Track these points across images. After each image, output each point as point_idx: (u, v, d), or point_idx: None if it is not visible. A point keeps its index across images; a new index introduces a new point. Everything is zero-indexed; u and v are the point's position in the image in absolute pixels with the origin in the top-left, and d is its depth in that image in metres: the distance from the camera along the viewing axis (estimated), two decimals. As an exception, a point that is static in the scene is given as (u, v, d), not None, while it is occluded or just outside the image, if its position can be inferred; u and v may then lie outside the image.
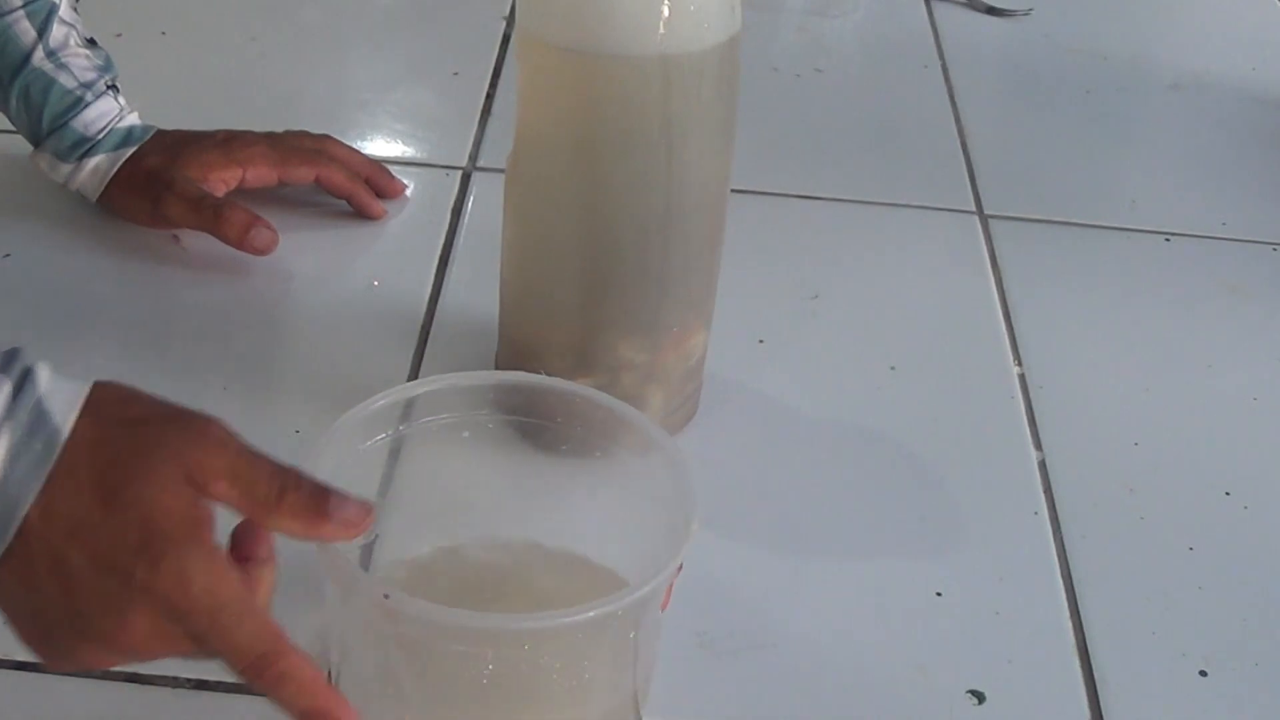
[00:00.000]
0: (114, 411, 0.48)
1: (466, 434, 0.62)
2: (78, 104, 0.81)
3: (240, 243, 0.81)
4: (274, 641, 0.48)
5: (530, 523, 0.63)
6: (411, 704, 0.55)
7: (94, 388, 0.48)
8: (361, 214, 0.88)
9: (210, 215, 0.81)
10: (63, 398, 0.47)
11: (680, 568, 0.54)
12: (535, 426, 0.62)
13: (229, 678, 0.52)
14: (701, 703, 0.61)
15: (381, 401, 0.59)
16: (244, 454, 0.49)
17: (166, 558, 0.46)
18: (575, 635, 0.53)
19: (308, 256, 0.83)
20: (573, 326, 0.69)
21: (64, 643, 0.47)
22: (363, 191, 0.88)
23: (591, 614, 0.50)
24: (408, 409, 0.60)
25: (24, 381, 0.46)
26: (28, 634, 0.48)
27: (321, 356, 0.78)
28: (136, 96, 0.84)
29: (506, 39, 1.11)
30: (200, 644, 0.47)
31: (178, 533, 0.46)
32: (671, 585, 0.54)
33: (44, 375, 0.47)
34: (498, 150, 0.87)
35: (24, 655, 0.59)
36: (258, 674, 0.48)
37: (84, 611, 0.46)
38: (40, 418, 0.46)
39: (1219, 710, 0.62)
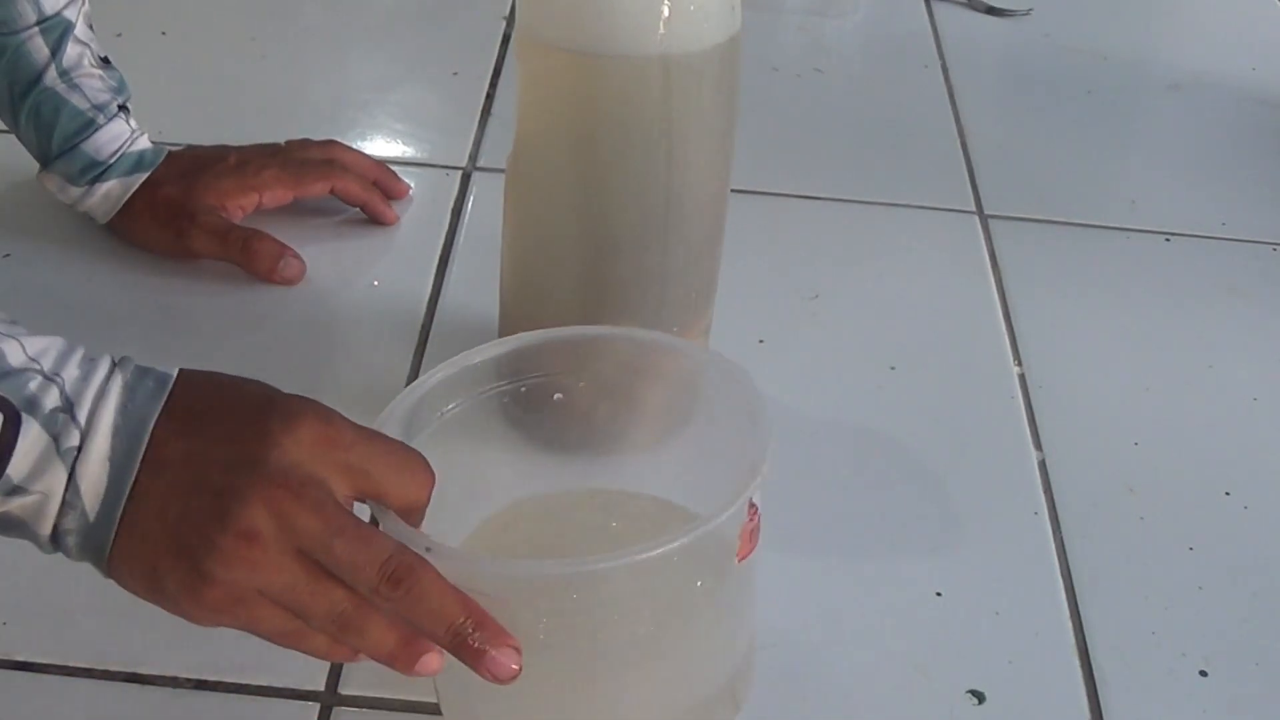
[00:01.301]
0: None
1: (558, 395, 0.61)
2: (89, 126, 0.80)
3: (270, 275, 0.81)
4: (398, 549, 0.48)
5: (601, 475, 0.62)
6: None
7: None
8: (375, 221, 0.88)
9: (238, 248, 0.81)
10: (160, 368, 0.49)
11: (754, 509, 0.51)
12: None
13: (229, 677, 0.52)
14: (701, 703, 0.61)
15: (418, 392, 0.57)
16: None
17: (296, 420, 0.48)
18: (622, 582, 0.50)
19: (308, 257, 0.83)
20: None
21: (198, 559, 0.46)
22: (377, 199, 0.88)
23: (635, 558, 0.47)
24: (425, 400, 0.58)
25: (123, 358, 0.49)
26: (166, 562, 0.47)
27: (321, 357, 0.78)
28: (137, 97, 0.84)
29: (506, 39, 1.11)
30: (317, 548, 0.47)
31: (307, 409, 0.48)
32: (750, 531, 0.52)
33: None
34: (498, 150, 0.87)
35: (24, 655, 0.60)
36: (392, 582, 0.47)
37: (218, 485, 0.46)
38: (146, 370, 0.49)
39: (1219, 710, 0.62)
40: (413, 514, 0.51)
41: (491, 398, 0.60)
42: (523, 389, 0.61)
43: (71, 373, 0.47)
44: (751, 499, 0.51)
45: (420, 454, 0.51)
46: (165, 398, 0.48)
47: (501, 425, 0.61)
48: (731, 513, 0.50)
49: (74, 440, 0.46)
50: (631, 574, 0.49)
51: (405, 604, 0.47)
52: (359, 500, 0.50)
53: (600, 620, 0.52)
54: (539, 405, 0.61)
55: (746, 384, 0.56)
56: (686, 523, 0.49)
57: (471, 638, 0.48)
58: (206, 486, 0.46)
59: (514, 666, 0.48)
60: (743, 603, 0.56)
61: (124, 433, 0.47)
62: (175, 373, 0.49)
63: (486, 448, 0.62)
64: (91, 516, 0.47)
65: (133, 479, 0.47)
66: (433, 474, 0.51)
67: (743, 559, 0.52)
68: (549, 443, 0.64)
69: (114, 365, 0.48)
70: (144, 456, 0.47)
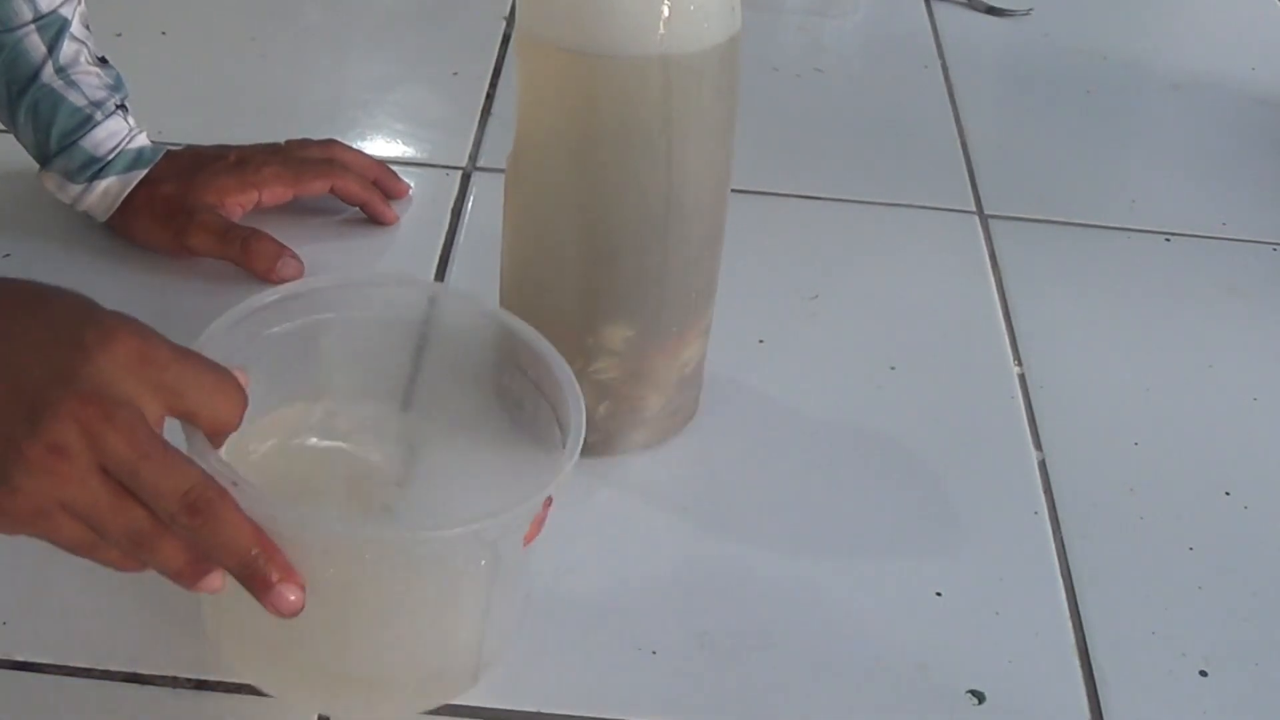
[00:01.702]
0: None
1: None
2: (87, 123, 0.80)
3: (269, 274, 0.81)
4: (201, 480, 0.48)
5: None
6: None
7: None
8: (375, 221, 0.88)
9: (237, 247, 0.81)
10: None
11: (549, 501, 0.53)
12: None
13: (228, 677, 0.52)
14: (701, 703, 0.61)
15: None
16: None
17: (113, 336, 0.48)
18: (406, 551, 0.53)
19: (309, 258, 0.83)
20: (572, 326, 0.69)
21: (3, 467, 0.46)
22: (377, 199, 0.88)
23: (425, 533, 0.51)
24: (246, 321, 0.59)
25: None
26: None
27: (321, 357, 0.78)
28: (137, 97, 0.84)
29: (506, 39, 1.11)
30: (123, 470, 0.47)
31: (125, 325, 0.48)
32: (539, 520, 0.54)
33: None
34: (498, 150, 0.87)
35: (24, 655, 0.60)
36: (191, 511, 0.48)
37: (29, 396, 0.46)
38: None
39: (1219, 710, 0.62)
40: (222, 435, 0.52)
41: (313, 324, 0.61)
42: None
43: None
44: (550, 494, 0.53)
45: (234, 375, 0.52)
46: None
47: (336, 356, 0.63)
48: (533, 502, 0.52)
49: None
50: (417, 548, 0.52)
51: (201, 534, 0.48)
52: (172, 417, 0.51)
53: (375, 579, 0.54)
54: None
55: (570, 387, 0.57)
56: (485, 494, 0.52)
57: (260, 571, 0.49)
58: (17, 395, 0.46)
59: (293, 600, 0.50)
60: (511, 584, 0.58)
61: None
62: None
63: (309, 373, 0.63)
64: None
65: None
66: (245, 397, 0.52)
67: (528, 543, 0.55)
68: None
69: None
70: None
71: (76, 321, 0.48)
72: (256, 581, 0.50)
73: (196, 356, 0.51)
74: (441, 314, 0.65)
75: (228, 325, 0.56)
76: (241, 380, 0.53)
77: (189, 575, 0.50)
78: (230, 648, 0.58)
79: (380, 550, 0.53)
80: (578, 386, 0.57)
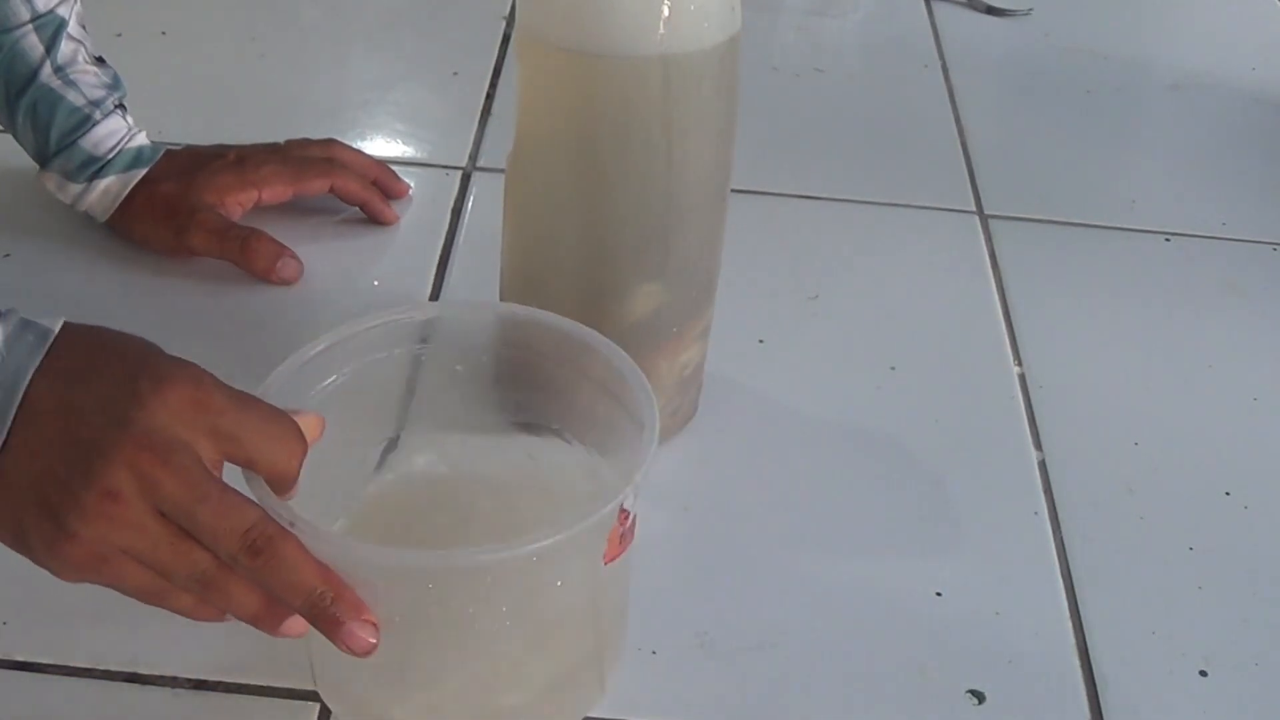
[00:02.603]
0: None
1: (459, 368, 0.61)
2: (86, 122, 0.80)
3: (268, 274, 0.81)
4: (261, 519, 0.48)
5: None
6: None
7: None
8: (375, 220, 0.88)
9: (236, 247, 0.81)
10: (45, 317, 0.49)
11: (626, 514, 0.52)
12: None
13: (228, 677, 0.52)
14: (701, 703, 0.61)
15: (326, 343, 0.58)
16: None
17: (166, 383, 0.48)
18: (479, 577, 0.51)
19: (309, 258, 0.83)
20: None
21: (60, 514, 0.47)
22: (376, 199, 0.88)
23: (492, 556, 0.49)
24: (309, 367, 0.58)
25: (5, 311, 0.49)
26: (31, 515, 0.47)
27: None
28: (137, 97, 0.84)
29: (506, 39, 1.11)
30: (179, 513, 0.47)
31: (180, 372, 0.49)
32: (619, 535, 0.52)
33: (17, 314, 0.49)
34: (498, 150, 0.86)
35: (24, 655, 0.60)
36: (252, 552, 0.48)
37: (85, 443, 0.46)
38: (27, 323, 0.49)
39: (1219, 710, 0.62)
40: (282, 482, 0.51)
41: (384, 362, 0.60)
42: (422, 357, 0.61)
43: None
44: (624, 504, 0.52)
45: (294, 422, 0.51)
46: (44, 353, 0.48)
47: (396, 393, 0.62)
48: (594, 521, 0.50)
49: None
50: (489, 570, 0.51)
51: (264, 574, 0.48)
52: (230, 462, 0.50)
53: (455, 610, 0.53)
54: (436, 376, 0.62)
55: (641, 386, 0.56)
56: (560, 516, 0.50)
57: (329, 609, 0.49)
58: (72, 443, 0.47)
59: (370, 640, 0.49)
60: (607, 600, 0.57)
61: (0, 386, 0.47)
62: (57, 328, 0.49)
63: (374, 417, 0.63)
64: None
65: (5, 433, 0.47)
66: (304, 443, 0.51)
67: (610, 561, 0.53)
68: (444, 417, 0.64)
69: None
70: (18, 411, 0.47)
71: (133, 370, 0.48)
72: (326, 622, 0.49)
73: (255, 402, 0.51)
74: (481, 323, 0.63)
75: (289, 374, 0.55)
76: (312, 425, 0.52)
77: (267, 620, 0.50)
78: (329, 680, 0.58)
79: (445, 580, 0.52)
80: (649, 384, 0.56)
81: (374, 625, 0.49)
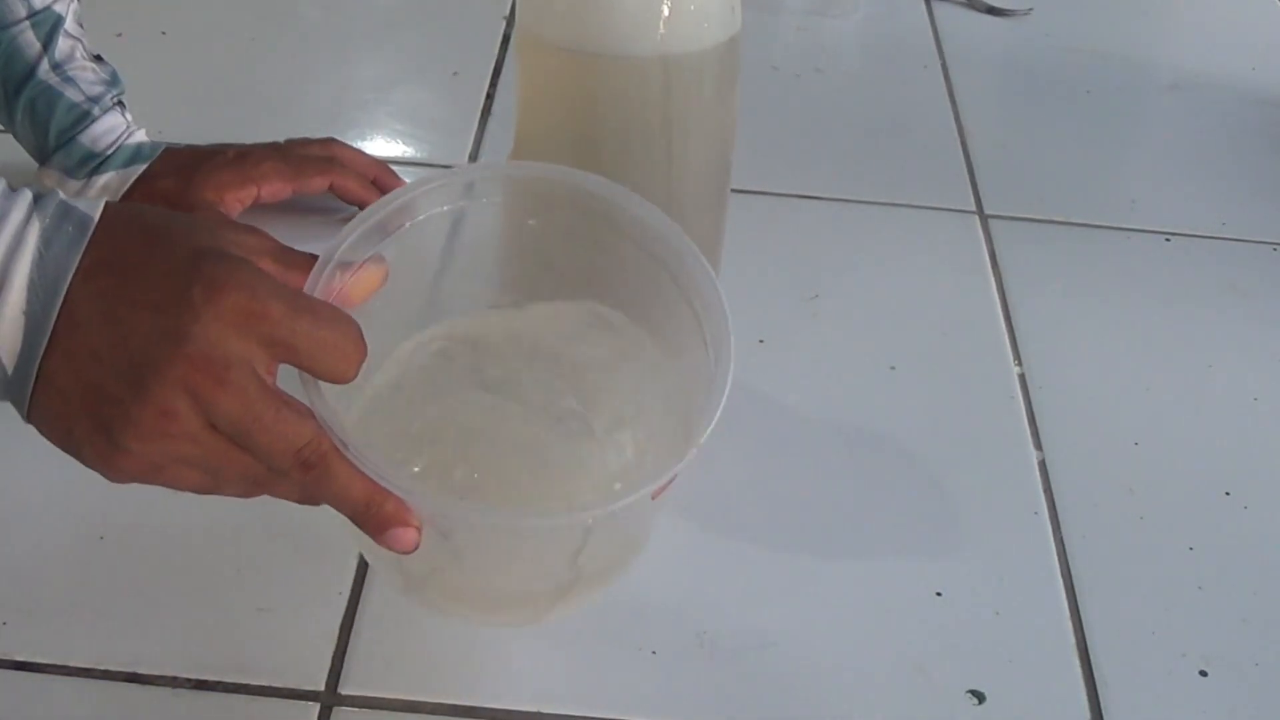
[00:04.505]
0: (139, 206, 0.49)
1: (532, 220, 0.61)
2: (85, 118, 0.80)
3: None
4: (314, 437, 0.48)
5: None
6: None
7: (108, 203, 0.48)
8: None
9: None
10: (85, 202, 0.48)
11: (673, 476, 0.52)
12: None
13: (229, 677, 0.52)
14: (701, 703, 0.61)
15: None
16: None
17: (220, 291, 0.46)
18: (526, 531, 0.53)
19: (308, 256, 0.83)
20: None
21: (113, 430, 0.46)
22: (376, 198, 0.88)
23: (545, 521, 0.51)
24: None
25: (45, 195, 0.47)
26: (83, 426, 0.47)
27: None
28: (137, 97, 0.84)
29: (506, 39, 1.11)
30: (235, 430, 0.47)
31: (233, 278, 0.47)
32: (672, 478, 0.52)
33: (62, 194, 0.48)
34: (498, 150, 0.87)
35: (24, 655, 0.60)
36: (304, 468, 0.48)
37: (136, 356, 0.45)
38: (67, 210, 0.47)
39: (1219, 710, 0.62)
40: (338, 385, 0.51)
41: (430, 221, 0.59)
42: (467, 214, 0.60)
43: None
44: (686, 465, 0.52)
45: (353, 324, 0.50)
46: (84, 247, 0.46)
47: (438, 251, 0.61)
48: (657, 481, 0.51)
49: None
50: (538, 530, 0.52)
51: (314, 487, 0.49)
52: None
53: (499, 548, 0.54)
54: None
55: (719, 308, 0.56)
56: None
57: (374, 518, 0.49)
58: (124, 355, 0.46)
59: (413, 540, 0.50)
60: (644, 523, 0.57)
61: (39, 287, 0.46)
62: (98, 215, 0.47)
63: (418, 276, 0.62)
64: (9, 370, 0.46)
65: (48, 336, 0.46)
66: (363, 348, 0.50)
67: (656, 498, 0.53)
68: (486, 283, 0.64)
69: (32, 205, 0.47)
70: (60, 312, 0.46)
71: (183, 272, 0.46)
72: (371, 527, 0.50)
73: (312, 306, 0.49)
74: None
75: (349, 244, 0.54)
76: (374, 276, 0.53)
77: (308, 503, 0.51)
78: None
79: (492, 530, 0.53)
80: (727, 307, 0.55)
81: (418, 530, 0.50)
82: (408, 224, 0.57)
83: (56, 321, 0.46)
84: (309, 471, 0.48)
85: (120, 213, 0.48)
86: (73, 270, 0.46)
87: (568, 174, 0.57)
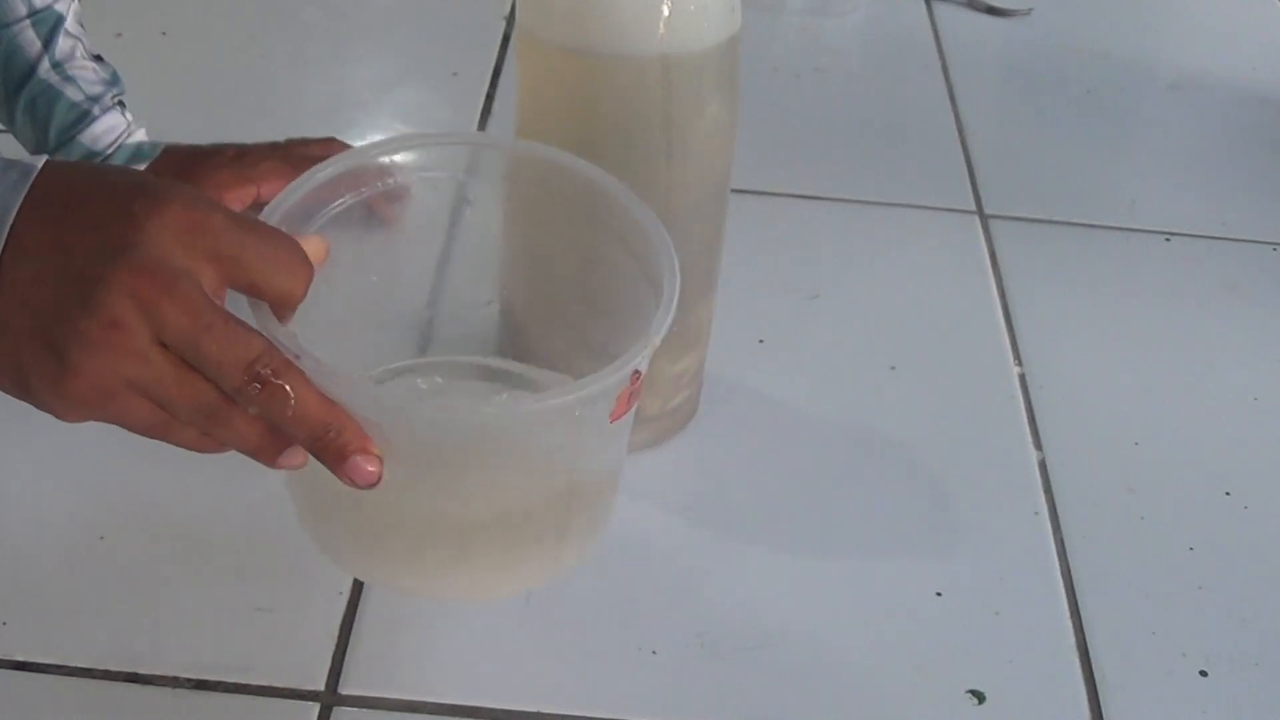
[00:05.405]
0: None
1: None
2: (85, 118, 0.80)
3: None
4: (266, 350, 0.47)
5: None
6: None
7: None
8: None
9: None
10: (25, 160, 0.47)
11: (638, 375, 0.51)
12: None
13: (229, 677, 0.52)
14: (701, 703, 0.61)
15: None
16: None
17: (163, 205, 0.46)
18: (482, 431, 0.51)
19: (308, 256, 0.83)
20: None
21: (62, 348, 0.45)
22: (376, 198, 0.88)
23: (497, 412, 0.49)
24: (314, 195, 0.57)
25: None
26: (30, 351, 0.46)
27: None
28: (137, 97, 0.84)
29: (506, 39, 1.11)
30: (183, 343, 0.46)
31: (176, 194, 0.46)
32: (628, 394, 0.51)
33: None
34: (498, 150, 0.86)
35: (24, 655, 0.60)
36: (257, 382, 0.46)
37: (84, 271, 0.45)
38: (10, 162, 0.47)
39: (1219, 710, 0.62)
40: (287, 307, 0.49)
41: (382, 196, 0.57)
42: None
43: None
44: (637, 367, 0.50)
45: (297, 243, 0.49)
46: (28, 188, 0.46)
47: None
48: (606, 384, 0.49)
49: None
50: (493, 426, 0.50)
51: (268, 406, 0.47)
52: (232, 289, 0.49)
53: (454, 458, 0.52)
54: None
55: (663, 242, 0.54)
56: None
57: (333, 441, 0.48)
58: (71, 274, 0.45)
59: (372, 469, 0.48)
60: (605, 454, 0.55)
61: None
62: (40, 163, 0.47)
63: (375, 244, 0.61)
64: None
65: None
66: (310, 266, 0.49)
67: (615, 419, 0.52)
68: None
69: None
70: (8, 245, 0.45)
71: (126, 194, 0.46)
72: (330, 453, 0.48)
73: (256, 224, 0.48)
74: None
75: (295, 197, 0.53)
76: (316, 248, 0.51)
77: (267, 451, 0.49)
78: (317, 528, 0.56)
79: (448, 426, 0.50)
80: (670, 242, 0.54)
81: (378, 458, 0.48)
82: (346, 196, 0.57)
83: (4, 254, 0.45)
84: (263, 388, 0.46)
85: (63, 163, 0.48)
86: (17, 206, 0.45)
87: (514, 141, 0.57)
